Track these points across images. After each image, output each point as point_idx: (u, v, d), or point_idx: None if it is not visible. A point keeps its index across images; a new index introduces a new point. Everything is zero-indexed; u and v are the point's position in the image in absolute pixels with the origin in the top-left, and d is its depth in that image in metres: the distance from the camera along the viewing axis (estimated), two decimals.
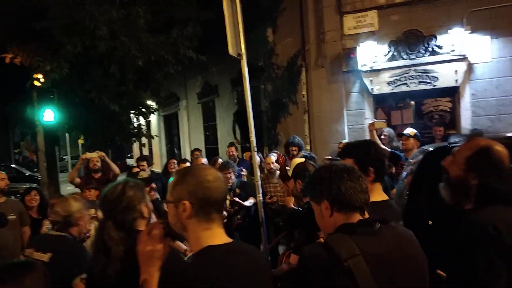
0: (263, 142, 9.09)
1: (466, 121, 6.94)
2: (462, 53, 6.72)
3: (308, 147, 7.89)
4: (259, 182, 5.03)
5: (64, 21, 5.79)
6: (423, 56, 7.06)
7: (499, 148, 1.75)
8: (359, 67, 7.34)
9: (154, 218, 2.33)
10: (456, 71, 6.85)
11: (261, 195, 4.96)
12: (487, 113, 6.82)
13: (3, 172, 4.86)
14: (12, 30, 6.17)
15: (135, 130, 8.22)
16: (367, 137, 5.81)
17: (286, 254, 2.68)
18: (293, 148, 5.96)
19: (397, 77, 7.29)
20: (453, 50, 6.79)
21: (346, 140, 6.99)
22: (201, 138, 12.61)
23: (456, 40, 6.73)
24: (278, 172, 5.72)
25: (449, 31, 6.81)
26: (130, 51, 6.32)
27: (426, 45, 7.02)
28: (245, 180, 6.15)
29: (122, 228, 1.84)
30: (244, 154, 7.92)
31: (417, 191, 3.54)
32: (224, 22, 4.79)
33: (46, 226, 4.26)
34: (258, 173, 5.08)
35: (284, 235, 4.81)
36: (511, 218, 1.62)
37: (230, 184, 5.64)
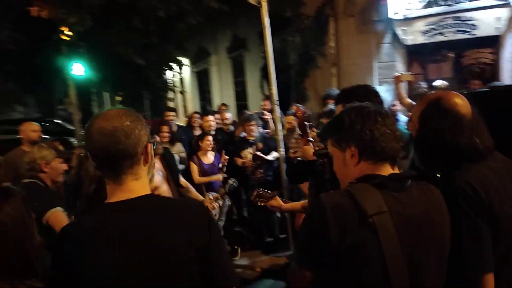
0: (291, 97, 8.91)
1: (507, 74, 6.41)
2: None
3: None
4: (281, 136, 4.98)
5: None
6: (462, 2, 6.50)
7: (453, 98, 1.56)
8: (391, 16, 6.89)
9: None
10: (498, 18, 6.26)
11: (283, 149, 4.91)
12: None
13: (36, 124, 5.05)
14: None
15: (161, 85, 8.26)
16: None
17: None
18: (331, 101, 5.52)
19: (433, 26, 6.79)
20: None
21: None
22: (231, 94, 12.55)
23: None
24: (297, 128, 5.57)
25: None
26: (151, 2, 6.23)
27: None
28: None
29: None
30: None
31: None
32: None
33: None
34: (280, 128, 5.01)
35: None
36: (485, 174, 1.49)
37: (253, 138, 5.60)
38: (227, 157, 5.08)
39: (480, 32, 6.47)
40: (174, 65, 9.40)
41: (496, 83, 5.49)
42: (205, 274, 1.21)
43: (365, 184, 1.31)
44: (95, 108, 11.79)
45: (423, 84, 5.58)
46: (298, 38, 8.72)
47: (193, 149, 5.37)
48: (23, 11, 6.29)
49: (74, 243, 1.17)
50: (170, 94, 11.69)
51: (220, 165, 5.10)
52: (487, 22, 6.39)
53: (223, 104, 7.41)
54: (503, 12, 6.20)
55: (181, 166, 5.01)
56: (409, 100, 4.72)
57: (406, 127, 2.02)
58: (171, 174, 3.97)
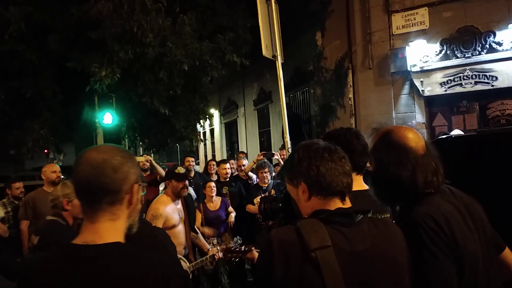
0: None
1: None
2: None
3: None
4: None
5: (116, 30, 6.32)
6: (479, 54, 6.54)
7: (402, 132, 1.55)
8: (409, 68, 6.99)
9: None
10: None
11: None
12: None
13: (57, 165, 5.38)
14: (71, 40, 6.88)
15: (186, 134, 8.60)
16: None
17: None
18: None
19: (451, 77, 6.81)
20: None
21: None
22: (256, 144, 12.79)
23: None
24: None
25: (509, 25, 6.24)
26: (176, 57, 6.68)
27: (483, 42, 6.49)
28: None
29: None
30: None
31: None
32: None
33: None
34: None
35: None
36: (447, 208, 1.45)
37: (265, 185, 5.68)
38: (234, 214, 5.25)
39: (500, 83, 6.42)
40: (202, 116, 9.80)
41: None
42: None
43: (314, 219, 1.31)
44: None
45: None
46: (319, 90, 8.96)
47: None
48: (61, 65, 6.90)
49: (20, 283, 1.16)
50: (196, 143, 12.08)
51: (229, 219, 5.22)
52: (507, 73, 6.34)
53: (241, 152, 7.60)
54: None
55: None
56: None
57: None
58: (188, 217, 4.10)
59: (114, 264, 1.11)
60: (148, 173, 6.43)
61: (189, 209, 4.26)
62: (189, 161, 6.51)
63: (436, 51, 6.81)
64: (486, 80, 6.54)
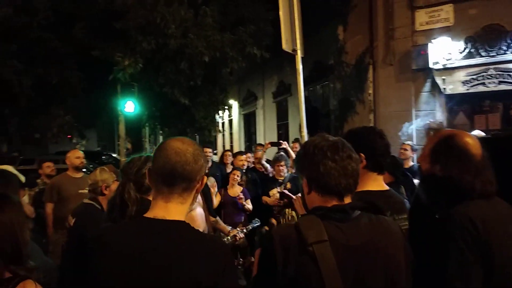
0: None
1: None
2: None
3: None
4: None
5: (139, 21, 6.44)
6: (505, 53, 6.37)
7: (465, 137, 1.62)
8: (431, 65, 6.86)
9: None
10: None
11: None
12: None
13: (80, 151, 5.54)
14: (96, 30, 7.05)
15: (205, 125, 8.73)
16: None
17: None
18: None
19: (474, 76, 6.67)
20: None
21: (414, 142, 6.61)
22: (274, 136, 12.83)
23: None
24: None
25: None
26: (197, 48, 6.76)
27: (509, 41, 6.33)
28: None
29: (139, 191, 1.96)
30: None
31: None
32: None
33: None
34: None
35: None
36: (487, 212, 1.51)
37: (282, 178, 5.75)
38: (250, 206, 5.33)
39: None
40: (221, 107, 9.91)
41: None
42: None
43: (312, 215, 1.37)
44: (146, 144, 12.62)
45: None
46: (339, 85, 8.92)
47: (224, 183, 5.64)
48: (86, 53, 7.08)
49: (97, 249, 1.29)
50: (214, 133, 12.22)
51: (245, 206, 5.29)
52: None
53: (259, 144, 7.66)
54: None
55: None
56: None
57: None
58: (206, 204, 4.24)
59: (179, 240, 1.26)
60: None
61: (206, 196, 4.39)
62: (206, 151, 6.61)
63: (460, 49, 6.68)
64: (510, 80, 6.40)
